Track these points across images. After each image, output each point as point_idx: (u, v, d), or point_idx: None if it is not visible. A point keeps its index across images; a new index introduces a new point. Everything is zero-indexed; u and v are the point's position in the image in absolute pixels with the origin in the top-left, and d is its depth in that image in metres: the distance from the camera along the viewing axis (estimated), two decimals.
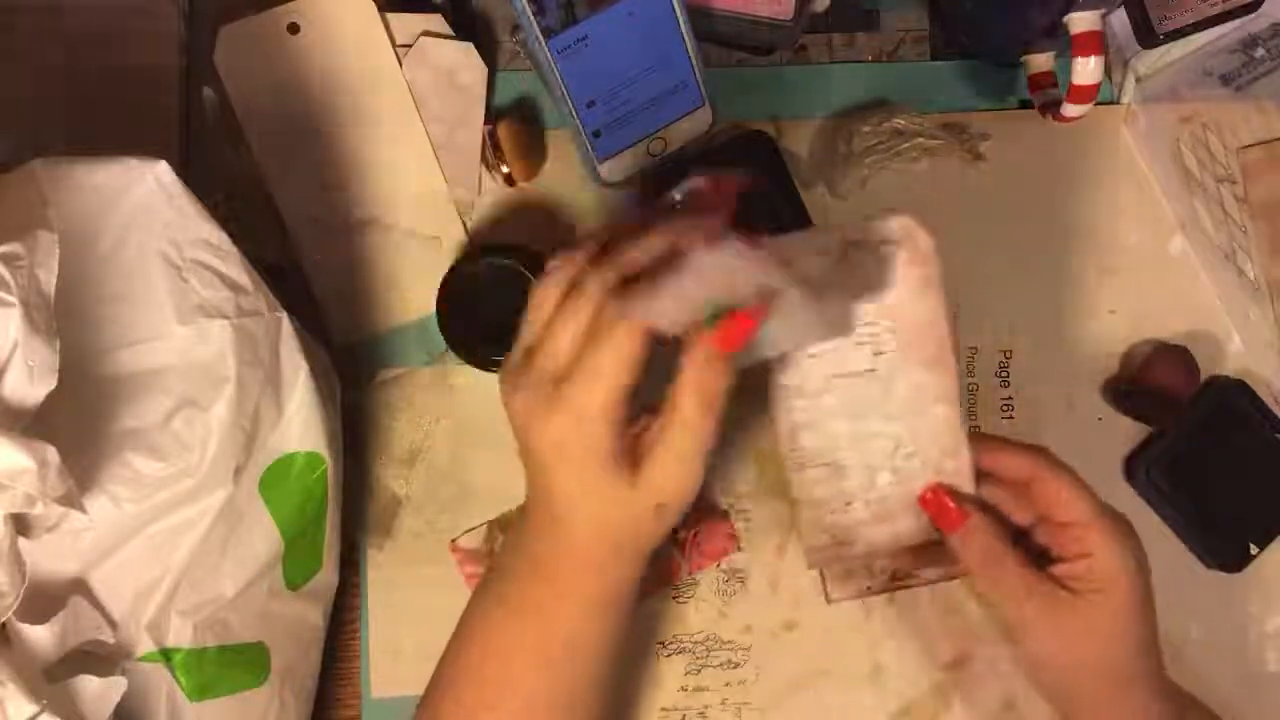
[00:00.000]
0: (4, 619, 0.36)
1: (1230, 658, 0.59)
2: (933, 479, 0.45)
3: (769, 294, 0.39)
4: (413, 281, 0.59)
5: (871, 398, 0.45)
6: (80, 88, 0.56)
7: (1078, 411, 0.61)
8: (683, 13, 0.54)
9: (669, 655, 0.58)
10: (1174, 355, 0.59)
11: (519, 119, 0.59)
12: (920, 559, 0.48)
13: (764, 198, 0.58)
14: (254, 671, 0.48)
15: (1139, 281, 0.62)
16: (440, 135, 0.59)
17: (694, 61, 0.56)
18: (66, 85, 0.56)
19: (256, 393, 0.44)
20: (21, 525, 0.37)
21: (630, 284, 0.39)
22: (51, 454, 0.34)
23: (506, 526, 0.58)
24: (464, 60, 0.58)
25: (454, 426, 0.59)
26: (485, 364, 0.55)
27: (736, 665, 0.58)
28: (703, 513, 0.58)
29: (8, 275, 0.34)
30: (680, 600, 0.58)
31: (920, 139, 0.60)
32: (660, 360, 0.40)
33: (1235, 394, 0.60)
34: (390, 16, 0.58)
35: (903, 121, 0.60)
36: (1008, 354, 0.61)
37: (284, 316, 0.46)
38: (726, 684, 0.58)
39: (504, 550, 0.47)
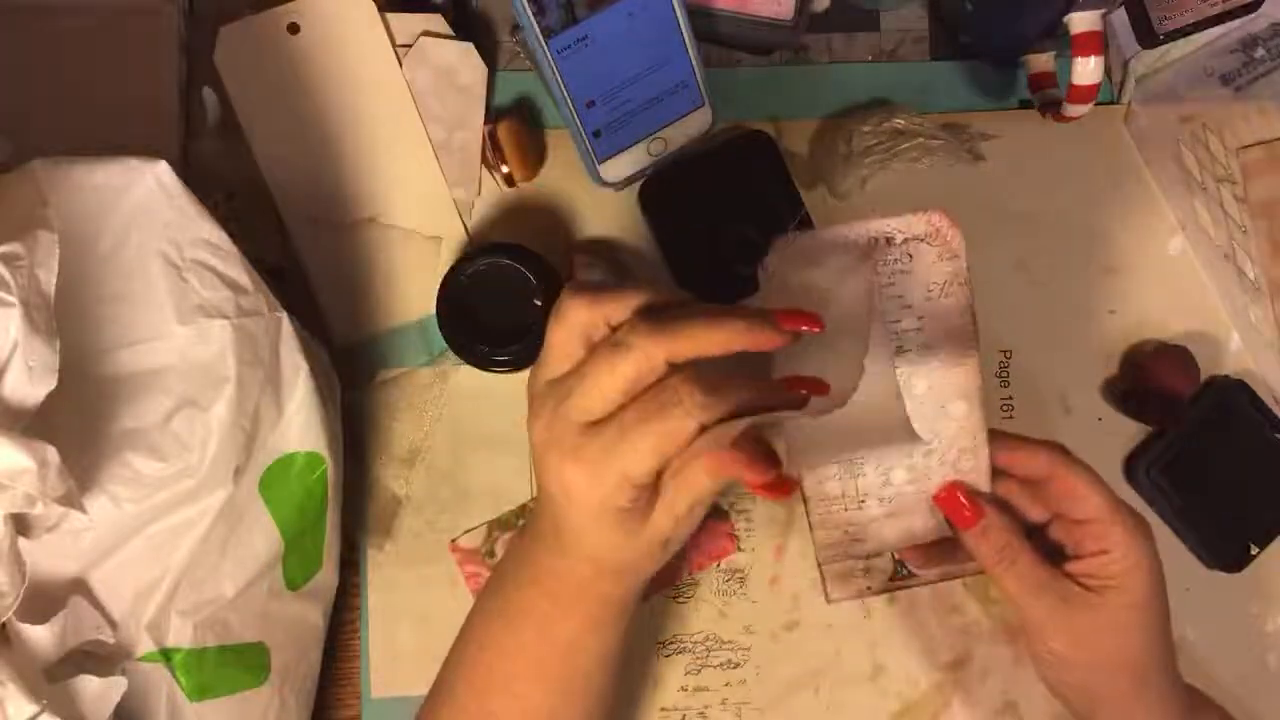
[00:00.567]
0: (4, 619, 0.36)
1: (1230, 658, 0.59)
2: (950, 476, 0.45)
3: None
4: (413, 281, 0.59)
5: None
6: (80, 88, 0.56)
7: (1078, 411, 0.61)
8: (683, 13, 0.54)
9: (669, 655, 0.58)
10: (1174, 355, 0.59)
11: (519, 119, 0.59)
12: (933, 556, 0.48)
13: (764, 198, 0.59)
14: (254, 671, 0.48)
15: (1139, 281, 0.62)
16: (440, 135, 0.59)
17: (694, 61, 0.56)
18: (66, 85, 0.56)
19: (256, 393, 0.44)
20: (21, 525, 0.37)
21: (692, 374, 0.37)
22: (51, 454, 0.34)
23: (506, 526, 0.58)
24: (464, 60, 0.58)
25: (454, 426, 0.59)
26: (485, 364, 0.55)
27: (736, 665, 0.58)
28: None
29: (8, 275, 0.34)
30: (680, 600, 0.58)
31: (920, 139, 0.60)
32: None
33: (1235, 394, 0.60)
34: (390, 16, 0.58)
35: (903, 121, 0.60)
36: (1008, 354, 0.61)
37: (284, 316, 0.46)
38: (726, 684, 0.58)
39: (509, 555, 0.47)
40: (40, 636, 0.39)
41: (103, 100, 0.56)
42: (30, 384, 0.34)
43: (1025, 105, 0.63)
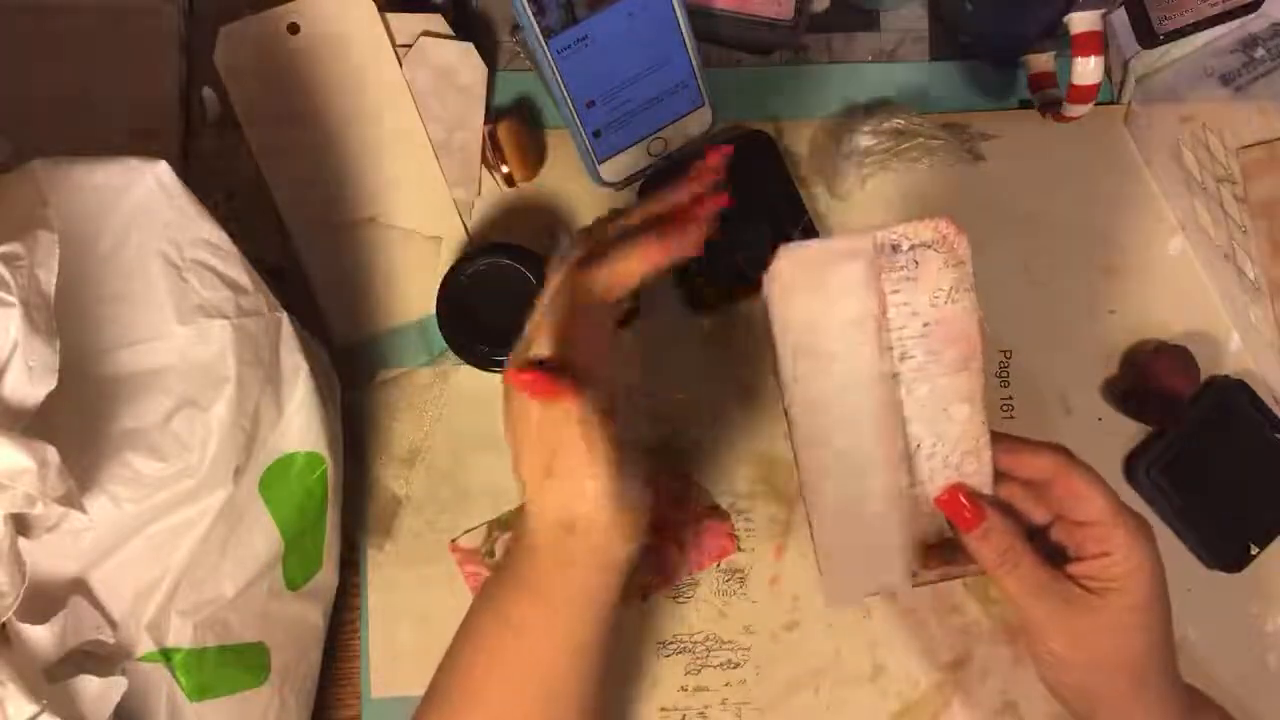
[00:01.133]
0: (4, 619, 0.36)
1: (1230, 658, 0.59)
2: (953, 479, 0.45)
3: None
4: (413, 281, 0.59)
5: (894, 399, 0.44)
6: (80, 88, 0.56)
7: (1078, 412, 0.61)
8: (683, 13, 0.54)
9: (669, 655, 0.58)
10: (1174, 355, 0.59)
11: (519, 119, 0.59)
12: (935, 558, 0.48)
13: (764, 198, 0.58)
14: (254, 671, 0.48)
15: (1139, 281, 0.62)
16: (440, 135, 0.59)
17: (694, 61, 0.56)
18: (66, 85, 0.56)
19: (256, 393, 0.44)
20: (21, 525, 0.37)
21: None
22: (51, 454, 0.34)
23: (506, 526, 0.58)
24: (464, 60, 0.58)
25: (454, 426, 0.58)
26: (485, 364, 0.55)
27: (736, 665, 0.58)
28: (703, 513, 0.58)
29: (8, 275, 0.34)
30: (680, 600, 0.58)
31: (920, 139, 0.60)
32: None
33: (1235, 394, 0.60)
34: (390, 16, 0.58)
35: (903, 121, 0.60)
36: (1008, 354, 0.61)
37: (284, 316, 0.46)
38: (726, 684, 0.58)
39: (501, 561, 0.47)
40: (40, 636, 0.39)
41: (103, 100, 0.57)
42: (30, 384, 0.34)
43: (1025, 105, 0.63)
